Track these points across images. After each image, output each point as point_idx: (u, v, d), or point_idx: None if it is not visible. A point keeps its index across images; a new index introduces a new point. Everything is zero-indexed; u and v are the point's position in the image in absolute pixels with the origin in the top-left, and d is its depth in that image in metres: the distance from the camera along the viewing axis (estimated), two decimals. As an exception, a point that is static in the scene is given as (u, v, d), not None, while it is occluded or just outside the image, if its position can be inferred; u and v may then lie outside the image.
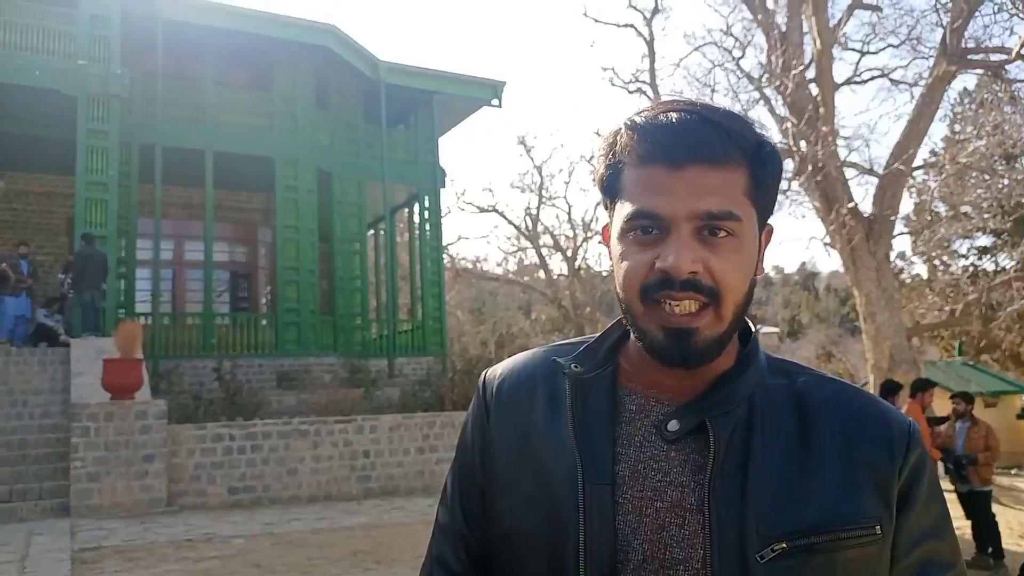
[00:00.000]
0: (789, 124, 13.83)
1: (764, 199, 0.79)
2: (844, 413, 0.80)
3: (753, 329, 0.85)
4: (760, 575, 0.73)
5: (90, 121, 12.28)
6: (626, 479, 0.78)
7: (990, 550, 6.72)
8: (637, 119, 0.79)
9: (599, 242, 23.99)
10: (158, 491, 8.50)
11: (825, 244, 15.64)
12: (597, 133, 22.52)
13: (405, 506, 8.83)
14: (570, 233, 24.44)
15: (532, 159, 30.07)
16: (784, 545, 0.73)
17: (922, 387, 7.60)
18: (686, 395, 0.80)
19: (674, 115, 0.77)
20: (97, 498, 8.19)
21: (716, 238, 0.75)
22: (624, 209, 0.78)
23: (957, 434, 7.12)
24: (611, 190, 0.81)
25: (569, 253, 24.10)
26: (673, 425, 0.78)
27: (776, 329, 39.02)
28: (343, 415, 10.41)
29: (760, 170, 0.78)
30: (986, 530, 6.77)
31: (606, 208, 0.83)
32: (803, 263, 36.55)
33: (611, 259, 0.81)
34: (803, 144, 13.23)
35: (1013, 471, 14.75)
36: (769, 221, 0.81)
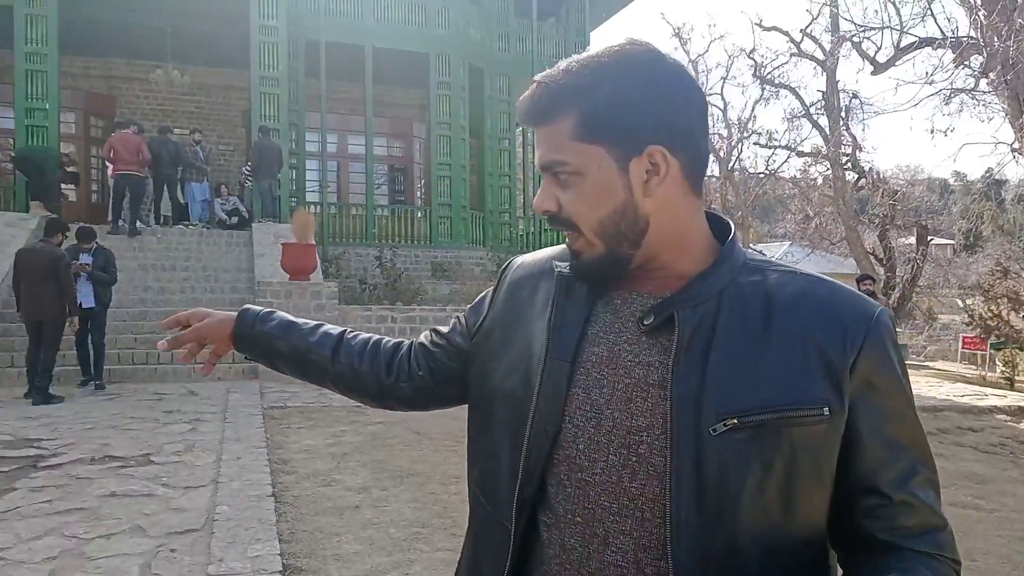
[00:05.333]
0: (980, 15, 12.36)
1: (612, 132, 0.87)
2: (806, 304, 0.87)
3: (733, 233, 0.95)
4: (712, 447, 0.82)
5: (261, 17, 13.03)
6: (603, 358, 0.90)
7: None
8: None
9: (755, 143, 22.86)
10: (330, 363, 9.50)
11: (1013, 150, 14.15)
12: (760, 24, 21.05)
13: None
14: (724, 132, 23.43)
15: (687, 53, 28.66)
16: (735, 421, 0.82)
17: None
18: (664, 291, 0.91)
19: (527, 91, 0.93)
20: (280, 366, 9.29)
21: (560, 179, 0.90)
22: None
23: None
24: None
25: (722, 153, 23.17)
26: (648, 318, 0.89)
27: (951, 241, 35.95)
28: (492, 305, 10.96)
29: (591, 110, 0.87)
30: None
31: None
32: (988, 170, 33.04)
33: None
34: (994, 39, 11.83)
35: None
36: (655, 146, 0.87)
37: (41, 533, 3.85)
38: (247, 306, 1.23)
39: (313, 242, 9.99)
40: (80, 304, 7.75)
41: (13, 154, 11.67)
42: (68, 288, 7.48)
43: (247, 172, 13.26)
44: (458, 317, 1.15)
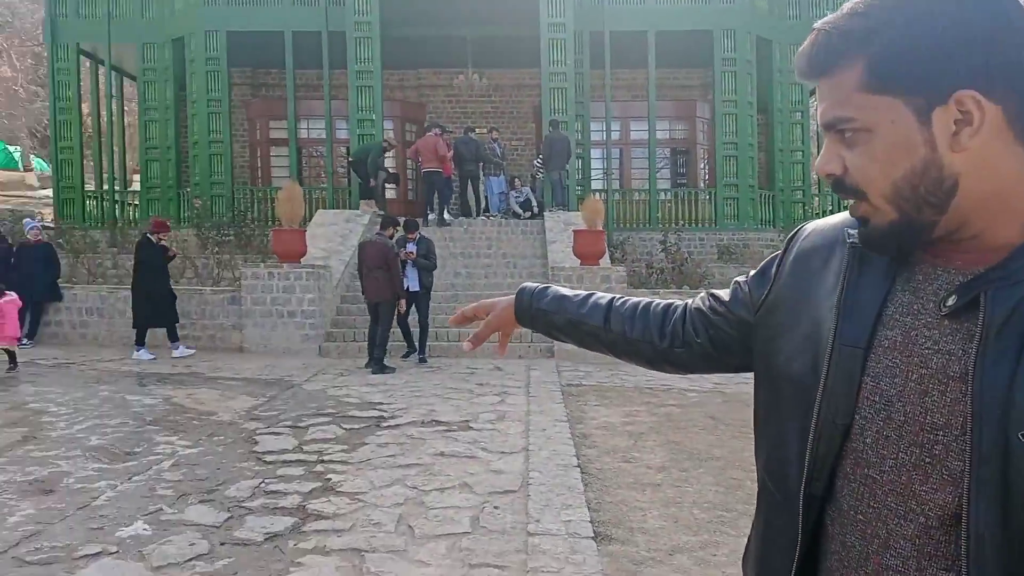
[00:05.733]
0: None
1: (908, 79, 0.75)
2: None
3: None
4: (1021, 455, 0.70)
5: (550, 16, 13.65)
6: (897, 343, 0.80)
7: None
8: None
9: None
10: (621, 345, 9.80)
11: None
12: None
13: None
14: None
15: None
16: None
17: None
18: (977, 266, 0.77)
19: (806, 40, 0.83)
20: (574, 347, 9.76)
21: (845, 138, 0.80)
22: None
23: None
24: None
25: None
26: (950, 300, 0.77)
27: None
28: (785, 289, 10.45)
29: (881, 55, 0.76)
30: None
31: None
32: None
33: None
34: None
35: None
36: (965, 91, 0.73)
37: (389, 482, 4.50)
38: (523, 286, 1.30)
39: (601, 228, 10.30)
40: (408, 288, 8.85)
41: (350, 159, 13.59)
42: (396, 274, 8.57)
43: (539, 164, 14.04)
44: (739, 283, 1.08)
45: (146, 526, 3.74)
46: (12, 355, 8.23)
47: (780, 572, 0.91)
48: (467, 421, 6.12)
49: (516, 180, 14.78)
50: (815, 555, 0.88)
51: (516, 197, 14.45)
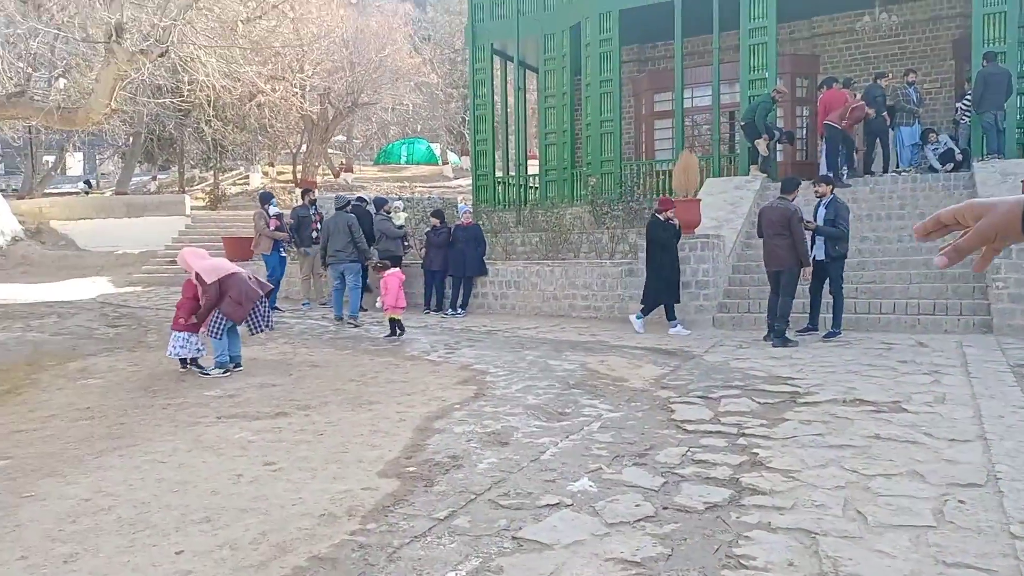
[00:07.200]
0: None
1: None
2: None
3: None
4: None
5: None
6: None
7: None
8: None
9: None
10: (1090, 320, 7.97)
11: None
12: None
13: None
14: None
15: None
16: None
17: None
18: None
19: None
20: (1020, 319, 8.23)
21: None
22: None
23: None
24: None
25: None
26: None
27: None
28: None
29: None
30: None
31: None
32: None
33: None
34: None
35: None
36: None
37: (823, 463, 4.23)
38: None
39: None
40: (813, 256, 8.29)
41: (742, 123, 13.10)
42: (800, 241, 8.06)
43: (964, 107, 12.05)
44: None
45: (591, 483, 4.03)
46: (392, 324, 9.32)
47: None
48: (898, 402, 5.51)
49: (931, 133, 12.89)
50: None
51: (934, 149, 12.59)
